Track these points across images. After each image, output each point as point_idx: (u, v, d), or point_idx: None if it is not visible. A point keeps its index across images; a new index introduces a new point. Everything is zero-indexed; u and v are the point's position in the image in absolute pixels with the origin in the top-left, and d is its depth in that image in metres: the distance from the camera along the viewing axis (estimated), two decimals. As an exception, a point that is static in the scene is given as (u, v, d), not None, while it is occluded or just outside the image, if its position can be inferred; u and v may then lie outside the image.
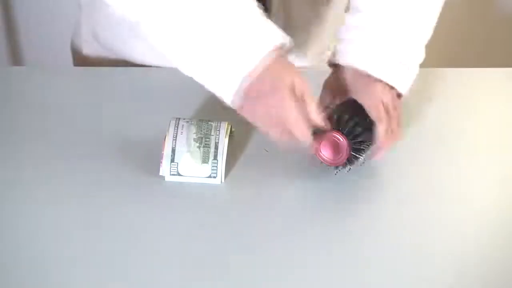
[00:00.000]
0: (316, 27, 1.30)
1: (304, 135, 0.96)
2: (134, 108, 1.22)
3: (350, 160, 1.05)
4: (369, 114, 1.03)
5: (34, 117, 1.20)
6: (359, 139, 1.04)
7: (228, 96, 0.95)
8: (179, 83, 1.18)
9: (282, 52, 0.95)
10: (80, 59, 1.41)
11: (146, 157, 1.11)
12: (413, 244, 0.99)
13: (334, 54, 1.09)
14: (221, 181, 1.05)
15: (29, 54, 2.14)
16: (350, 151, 1.03)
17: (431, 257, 0.97)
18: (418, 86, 1.25)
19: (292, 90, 0.94)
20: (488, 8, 2.19)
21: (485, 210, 1.06)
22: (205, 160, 1.04)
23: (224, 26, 0.93)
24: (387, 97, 1.04)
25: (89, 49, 1.39)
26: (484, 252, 0.98)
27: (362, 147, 1.04)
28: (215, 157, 1.04)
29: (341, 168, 1.06)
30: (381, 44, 1.05)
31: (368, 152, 1.07)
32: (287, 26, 1.04)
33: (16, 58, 2.23)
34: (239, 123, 1.05)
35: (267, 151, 1.14)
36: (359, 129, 1.04)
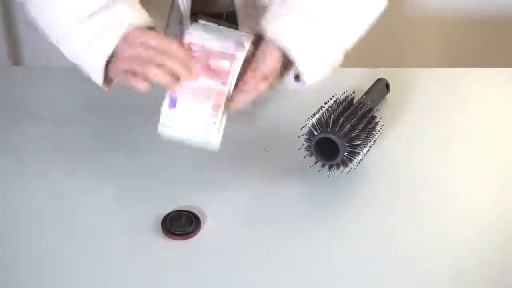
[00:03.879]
0: None
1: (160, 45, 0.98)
2: (134, 107, 1.22)
3: (344, 162, 1.05)
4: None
5: (34, 117, 1.20)
6: (354, 142, 1.04)
7: (98, 79, 1.02)
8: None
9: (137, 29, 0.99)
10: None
11: (146, 155, 1.11)
12: (411, 244, 0.99)
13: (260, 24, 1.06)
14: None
15: (29, 54, 2.14)
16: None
17: (430, 257, 0.97)
18: (418, 86, 1.25)
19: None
20: (488, 8, 2.19)
21: (485, 210, 1.06)
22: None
23: (87, 10, 1.00)
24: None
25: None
26: (483, 251, 0.98)
27: (357, 150, 1.04)
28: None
29: (334, 170, 1.06)
30: (310, 31, 1.03)
31: (364, 154, 1.07)
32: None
33: (16, 58, 2.23)
34: (239, 124, 1.05)
35: (266, 151, 1.14)
36: (355, 132, 1.04)
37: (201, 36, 0.99)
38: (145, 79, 0.98)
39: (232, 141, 1.12)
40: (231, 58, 0.97)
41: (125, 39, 0.99)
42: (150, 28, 1.02)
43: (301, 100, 1.12)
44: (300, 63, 1.03)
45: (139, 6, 1.03)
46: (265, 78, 1.01)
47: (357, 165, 1.06)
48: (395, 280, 0.93)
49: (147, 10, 1.09)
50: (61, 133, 1.17)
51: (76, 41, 1.01)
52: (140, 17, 1.01)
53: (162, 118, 0.97)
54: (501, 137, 1.22)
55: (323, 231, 1.01)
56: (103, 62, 1.00)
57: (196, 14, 1.22)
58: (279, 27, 1.03)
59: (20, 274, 0.92)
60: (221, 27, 1.02)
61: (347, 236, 1.00)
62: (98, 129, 1.18)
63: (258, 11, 1.20)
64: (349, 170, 1.06)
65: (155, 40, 0.98)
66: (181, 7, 1.21)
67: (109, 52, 0.99)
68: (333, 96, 1.09)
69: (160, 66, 0.97)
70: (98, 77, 1.01)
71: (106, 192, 1.06)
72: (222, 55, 0.97)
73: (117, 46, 0.99)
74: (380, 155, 1.12)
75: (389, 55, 2.13)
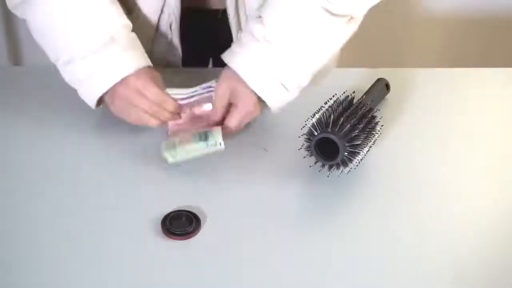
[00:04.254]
0: None
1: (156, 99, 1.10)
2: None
3: (344, 162, 1.05)
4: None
5: (34, 117, 1.20)
6: (354, 142, 1.04)
7: (91, 105, 1.13)
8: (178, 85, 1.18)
9: (135, 76, 1.09)
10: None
11: (148, 151, 1.11)
12: (411, 244, 0.99)
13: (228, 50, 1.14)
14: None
15: (29, 54, 2.13)
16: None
17: (430, 257, 0.97)
18: (418, 86, 1.25)
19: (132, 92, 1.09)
20: (488, 8, 2.19)
21: (485, 210, 1.06)
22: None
23: (85, 49, 1.09)
24: (250, 105, 1.11)
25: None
26: (483, 251, 0.98)
27: (357, 150, 1.04)
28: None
29: (334, 170, 1.06)
30: (269, 59, 1.08)
31: (364, 154, 1.07)
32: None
33: (16, 58, 2.23)
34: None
35: (266, 151, 1.14)
36: (355, 132, 1.04)
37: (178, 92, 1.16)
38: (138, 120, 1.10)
39: (232, 141, 1.12)
40: (208, 99, 1.16)
41: (123, 81, 1.08)
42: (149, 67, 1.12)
43: (301, 100, 1.12)
44: (257, 89, 1.09)
45: (139, 46, 1.13)
46: (241, 119, 1.12)
47: (357, 165, 1.06)
48: (395, 280, 0.93)
49: (136, 17, 1.12)
50: (61, 133, 1.17)
51: (78, 70, 1.10)
52: (138, 59, 1.10)
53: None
54: (501, 137, 1.22)
55: (323, 231, 1.01)
56: (98, 95, 1.11)
57: (187, 11, 1.22)
58: (237, 57, 1.10)
59: (20, 274, 0.92)
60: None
61: (347, 236, 1.00)
62: (98, 129, 1.18)
63: (250, 13, 1.20)
64: (349, 170, 1.06)
65: (150, 92, 1.09)
66: (169, 9, 1.21)
67: (104, 90, 1.10)
68: (333, 96, 1.09)
69: (152, 115, 1.09)
70: (91, 104, 1.13)
71: (106, 192, 1.06)
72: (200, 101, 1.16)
73: (114, 86, 1.09)
74: (380, 155, 1.12)
75: (389, 55, 2.14)
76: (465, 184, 1.11)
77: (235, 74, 1.10)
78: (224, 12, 1.24)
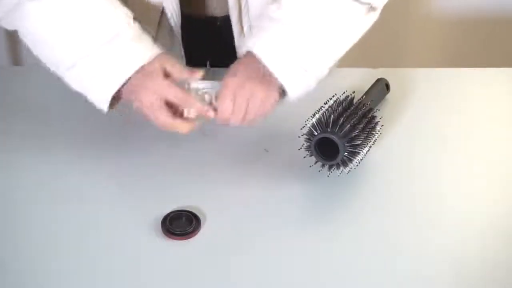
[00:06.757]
0: None
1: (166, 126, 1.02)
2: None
3: (344, 162, 1.05)
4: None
5: (34, 117, 1.20)
6: (354, 142, 1.04)
7: (103, 108, 1.04)
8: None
9: (150, 67, 1.02)
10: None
11: (147, 155, 1.11)
12: (411, 244, 0.99)
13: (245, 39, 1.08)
14: None
15: (29, 54, 2.13)
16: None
17: (430, 257, 0.97)
18: (418, 86, 1.25)
19: (157, 99, 1.01)
20: (488, 8, 2.19)
21: (485, 210, 1.06)
22: None
23: (92, 47, 1.01)
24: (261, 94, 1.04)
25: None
26: (483, 251, 0.98)
27: (357, 150, 1.04)
28: None
29: (334, 170, 1.06)
30: (288, 41, 1.03)
31: (364, 154, 1.07)
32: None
33: (16, 58, 2.22)
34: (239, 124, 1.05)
35: (267, 151, 1.14)
36: (355, 132, 1.04)
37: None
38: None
39: (232, 141, 1.12)
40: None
41: (137, 72, 1.01)
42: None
43: (301, 100, 1.12)
44: (281, 76, 1.03)
45: (147, 37, 1.05)
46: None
47: (357, 165, 1.06)
48: (395, 280, 0.93)
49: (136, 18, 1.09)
50: (61, 133, 1.17)
51: (85, 70, 1.02)
52: (150, 50, 1.03)
53: None
54: (501, 137, 1.22)
55: (323, 231, 1.01)
56: (111, 94, 1.02)
57: (187, 17, 1.21)
58: (260, 41, 1.03)
59: (20, 274, 0.92)
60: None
61: (347, 236, 1.00)
62: (98, 129, 1.18)
63: (253, 20, 1.20)
64: (349, 170, 1.06)
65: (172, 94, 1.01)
66: (168, 13, 1.18)
67: (116, 88, 1.01)
68: (333, 96, 1.09)
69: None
70: (103, 107, 1.04)
71: (106, 192, 1.06)
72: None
73: (130, 79, 1.01)
74: (380, 155, 1.12)
75: (389, 55, 2.13)
76: (465, 184, 1.11)
77: (251, 60, 1.04)
78: (223, 19, 1.23)
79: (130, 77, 1.01)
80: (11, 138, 1.16)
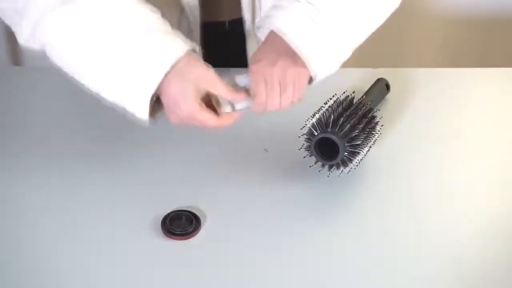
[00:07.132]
0: None
1: (214, 127, 0.98)
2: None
3: (344, 162, 1.05)
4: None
5: (34, 116, 1.20)
6: (354, 142, 1.04)
7: (143, 115, 0.97)
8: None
9: (185, 60, 0.95)
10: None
11: (147, 155, 1.11)
12: (411, 244, 0.99)
13: (264, 18, 1.04)
14: None
15: (29, 54, 2.13)
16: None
17: (430, 257, 0.97)
18: (418, 86, 1.25)
19: (196, 93, 0.95)
20: (488, 8, 2.19)
21: (485, 210, 1.06)
22: None
23: (124, 46, 0.94)
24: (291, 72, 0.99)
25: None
26: (483, 251, 0.98)
27: (357, 150, 1.04)
28: None
29: (334, 170, 1.06)
30: (312, 19, 0.99)
31: (364, 154, 1.07)
32: None
33: (16, 58, 2.22)
34: (239, 123, 1.05)
35: (267, 151, 1.14)
36: (355, 132, 1.04)
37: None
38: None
39: (232, 141, 1.12)
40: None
41: (172, 68, 0.95)
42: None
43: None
44: (310, 59, 0.99)
45: (173, 32, 0.98)
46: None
47: (357, 165, 1.06)
48: (395, 280, 0.93)
49: None
50: (61, 133, 1.17)
51: (118, 74, 0.95)
52: (183, 44, 0.96)
53: None
54: (501, 137, 1.22)
55: (323, 231, 1.01)
56: (149, 97, 0.94)
57: (206, 24, 1.21)
58: (282, 19, 0.99)
59: (20, 274, 0.92)
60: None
61: (347, 236, 1.00)
62: (98, 129, 1.18)
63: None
64: (349, 170, 1.06)
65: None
66: (190, 17, 1.19)
67: (156, 86, 0.94)
68: (333, 96, 1.09)
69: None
70: (143, 114, 0.96)
71: (107, 192, 1.06)
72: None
73: (165, 76, 0.94)
74: (380, 155, 1.12)
75: (389, 55, 2.13)
76: (465, 184, 1.11)
77: (275, 40, 0.99)
78: (231, 23, 1.23)
79: (168, 71, 0.94)
80: (11, 138, 1.16)
